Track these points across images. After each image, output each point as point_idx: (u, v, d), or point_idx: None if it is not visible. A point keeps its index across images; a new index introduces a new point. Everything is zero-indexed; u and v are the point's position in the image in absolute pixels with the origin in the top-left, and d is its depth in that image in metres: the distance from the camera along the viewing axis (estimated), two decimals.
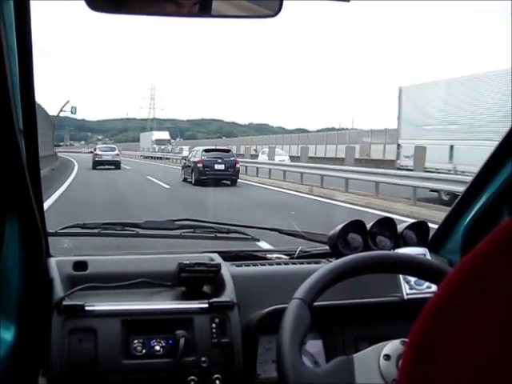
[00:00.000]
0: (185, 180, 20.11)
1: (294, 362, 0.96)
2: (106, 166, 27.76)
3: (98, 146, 32.38)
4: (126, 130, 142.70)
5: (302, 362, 0.98)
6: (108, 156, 29.22)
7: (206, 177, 18.46)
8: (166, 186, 17.35)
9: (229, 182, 18.83)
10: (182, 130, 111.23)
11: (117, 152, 29.98)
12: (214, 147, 22.39)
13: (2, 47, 0.95)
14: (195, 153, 20.19)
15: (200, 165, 18.79)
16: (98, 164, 28.04)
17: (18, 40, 1.10)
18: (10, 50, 1.05)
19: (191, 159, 19.94)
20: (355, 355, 1.01)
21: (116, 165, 28.44)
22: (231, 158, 19.46)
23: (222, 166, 18.90)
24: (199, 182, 18.21)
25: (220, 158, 19.17)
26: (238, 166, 19.44)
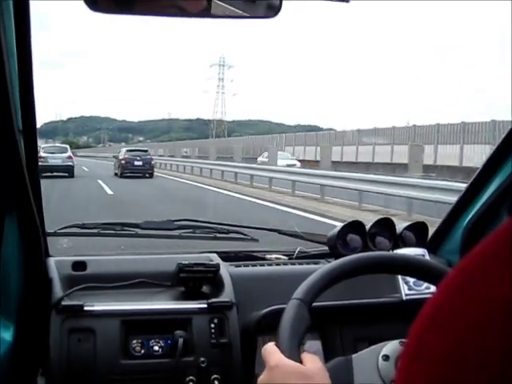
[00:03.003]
0: (115, 174, 24.36)
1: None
2: (55, 174, 19.94)
3: (42, 146, 23.31)
4: (168, 132, 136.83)
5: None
6: (57, 159, 21.32)
7: (128, 171, 23.35)
8: None
9: (148, 175, 23.94)
10: (229, 131, 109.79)
11: (69, 154, 22.38)
12: (134, 148, 27.14)
13: (2, 46, 0.95)
14: (121, 152, 24.87)
15: (123, 162, 23.82)
16: (42, 171, 16.50)
17: (17, 39, 1.10)
18: (10, 49, 1.04)
19: (119, 157, 24.63)
20: (354, 356, 1.01)
21: (68, 171, 21.19)
22: (148, 156, 24.69)
23: (140, 163, 23.95)
24: (123, 175, 23.11)
25: (139, 156, 24.17)
26: (152, 162, 25.01)
